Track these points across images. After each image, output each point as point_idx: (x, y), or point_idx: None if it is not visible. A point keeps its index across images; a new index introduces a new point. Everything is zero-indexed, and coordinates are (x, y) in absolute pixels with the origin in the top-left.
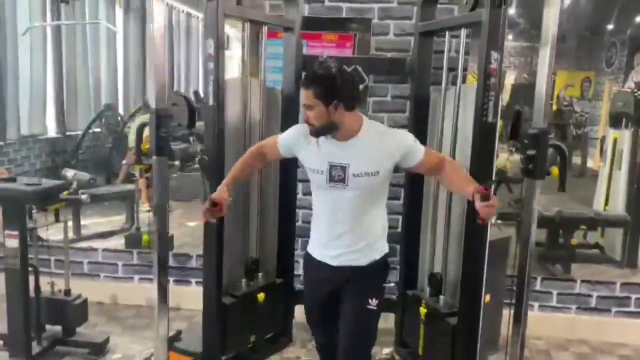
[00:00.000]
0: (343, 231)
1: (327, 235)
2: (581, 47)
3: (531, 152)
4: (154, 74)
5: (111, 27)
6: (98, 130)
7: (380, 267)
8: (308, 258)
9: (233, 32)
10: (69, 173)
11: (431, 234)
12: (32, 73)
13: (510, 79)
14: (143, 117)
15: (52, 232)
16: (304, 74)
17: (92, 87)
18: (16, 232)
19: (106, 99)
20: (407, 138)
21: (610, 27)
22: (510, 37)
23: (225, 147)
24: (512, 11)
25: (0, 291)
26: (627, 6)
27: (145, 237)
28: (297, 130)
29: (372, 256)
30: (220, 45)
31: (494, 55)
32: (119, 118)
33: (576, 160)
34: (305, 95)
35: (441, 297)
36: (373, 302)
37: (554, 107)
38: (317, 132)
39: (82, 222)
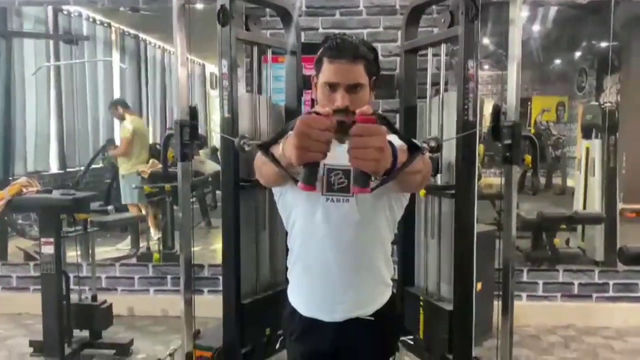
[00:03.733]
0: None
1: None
2: (553, 73)
3: (507, 141)
4: (178, 90)
5: (122, 65)
6: (97, 166)
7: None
8: (294, 314)
9: None
10: None
11: (424, 234)
12: (38, 112)
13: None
14: None
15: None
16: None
17: (90, 125)
18: (52, 239)
19: (104, 136)
20: None
21: (578, 54)
22: (486, 66)
23: (239, 154)
24: (486, 40)
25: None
26: (592, 34)
27: (156, 256)
28: None
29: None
30: (233, 65)
31: (470, 63)
32: None
33: (557, 180)
34: (347, 71)
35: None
36: None
37: (532, 131)
38: None
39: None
